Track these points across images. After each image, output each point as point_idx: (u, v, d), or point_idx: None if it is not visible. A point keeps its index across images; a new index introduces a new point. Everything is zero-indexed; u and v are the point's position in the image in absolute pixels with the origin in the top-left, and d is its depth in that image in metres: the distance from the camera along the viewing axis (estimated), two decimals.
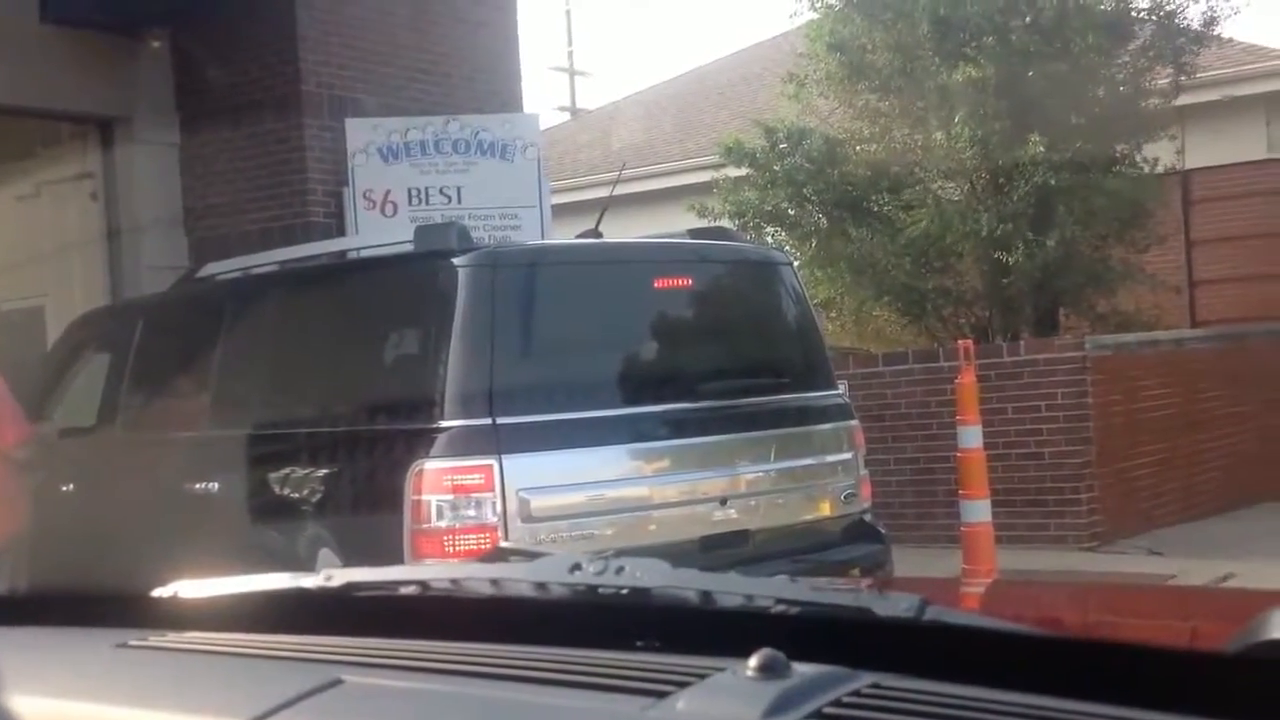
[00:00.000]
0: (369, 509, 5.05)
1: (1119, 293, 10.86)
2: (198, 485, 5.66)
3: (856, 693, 0.90)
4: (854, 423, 5.86)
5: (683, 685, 0.93)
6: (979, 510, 7.30)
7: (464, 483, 4.75)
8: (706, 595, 1.16)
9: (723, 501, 5.23)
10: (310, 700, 1.03)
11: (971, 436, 7.43)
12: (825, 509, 5.58)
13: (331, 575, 1.31)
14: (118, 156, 9.11)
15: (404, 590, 1.29)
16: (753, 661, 0.92)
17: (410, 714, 1.01)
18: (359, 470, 5.21)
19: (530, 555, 1.39)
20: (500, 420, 4.83)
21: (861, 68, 10.56)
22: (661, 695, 0.93)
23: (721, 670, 0.94)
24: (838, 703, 0.88)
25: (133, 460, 6.16)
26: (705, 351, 5.66)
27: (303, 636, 1.19)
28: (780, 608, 1.09)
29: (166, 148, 9.11)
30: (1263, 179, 13.22)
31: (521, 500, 4.75)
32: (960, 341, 8.10)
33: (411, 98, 9.12)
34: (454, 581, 1.29)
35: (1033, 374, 8.89)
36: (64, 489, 6.30)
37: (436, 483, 4.74)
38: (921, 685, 0.90)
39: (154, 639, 1.28)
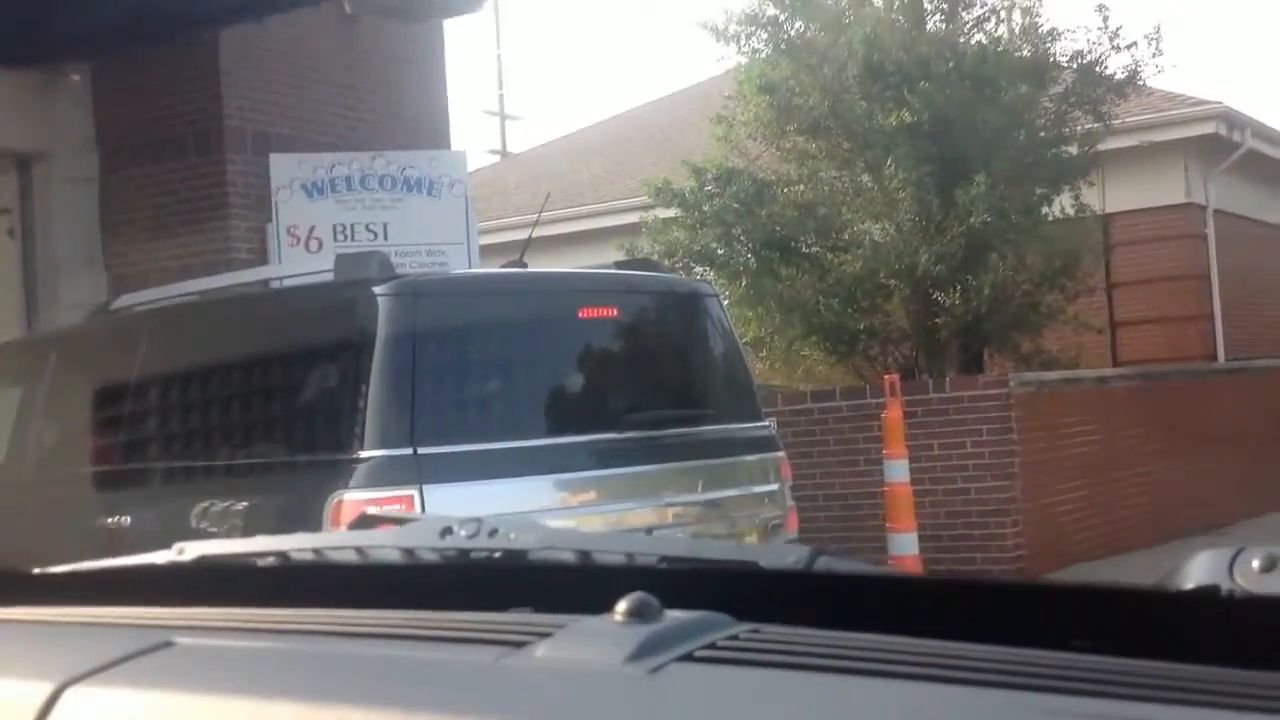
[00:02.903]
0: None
1: (1043, 333, 11.00)
2: (110, 520, 5.51)
3: (734, 637, 0.85)
4: (780, 454, 5.84)
5: (546, 635, 0.88)
6: (906, 543, 7.31)
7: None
8: (584, 554, 1.11)
9: (649, 532, 5.17)
10: (133, 662, 0.97)
11: (898, 470, 7.46)
12: (752, 540, 5.54)
13: (184, 549, 1.24)
14: (35, 193, 8.94)
15: (262, 561, 1.23)
16: (621, 606, 0.87)
17: (241, 672, 0.95)
18: (278, 502, 5.09)
19: (400, 520, 1.34)
20: (422, 450, 4.75)
21: (790, 110, 10.65)
22: (521, 645, 0.88)
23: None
24: (711, 646, 0.83)
25: (46, 494, 5.99)
26: (631, 382, 5.62)
27: (146, 608, 1.13)
28: (664, 563, 1.05)
29: (85, 183, 8.96)
30: (1181, 223, 13.49)
31: None
32: (887, 377, 8.15)
33: (338, 134, 9.05)
34: (316, 551, 1.23)
35: (958, 410, 8.94)
36: None
37: (356, 514, 4.64)
38: (803, 632, 0.85)
39: None
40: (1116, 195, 12.91)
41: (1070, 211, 10.78)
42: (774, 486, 5.67)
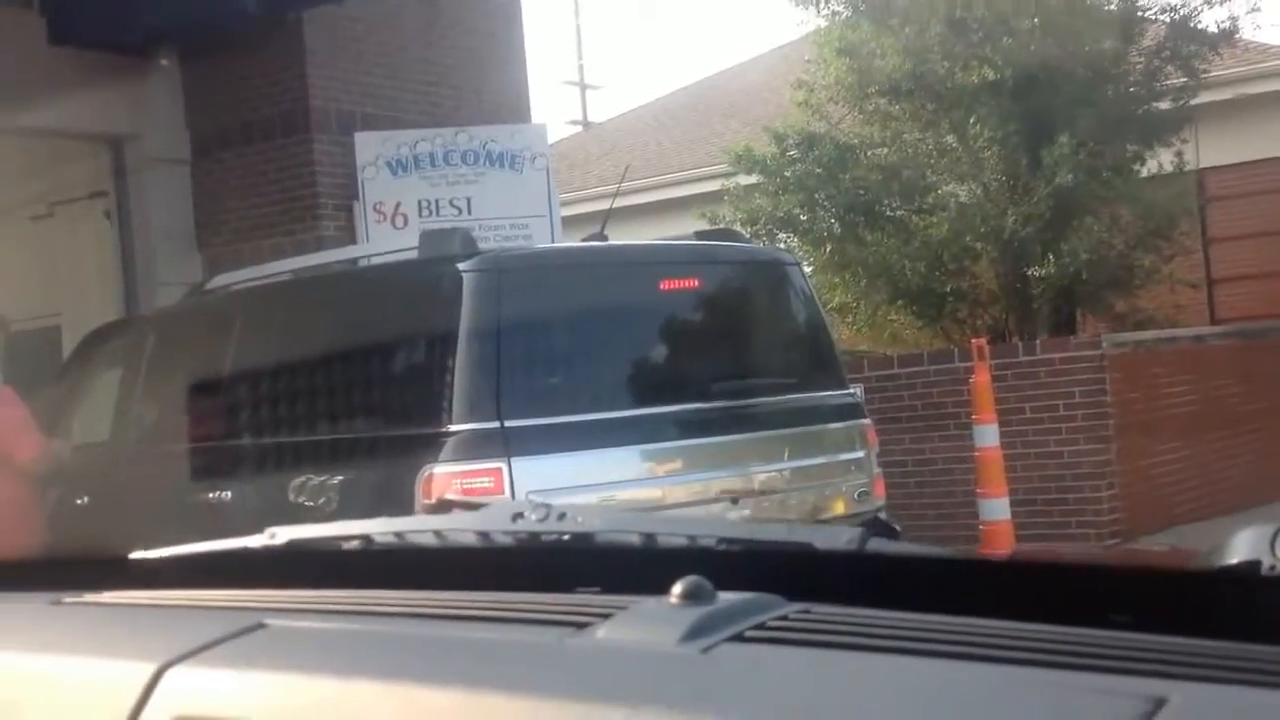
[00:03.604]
0: (381, 515, 5.03)
1: (1138, 292, 10.81)
2: (211, 495, 5.66)
3: (784, 617, 0.88)
4: (865, 421, 5.82)
5: (607, 617, 0.92)
6: (998, 508, 7.25)
7: (474, 486, 4.74)
8: (648, 537, 1.14)
9: (735, 501, 5.20)
10: (229, 644, 1.03)
11: (988, 435, 7.39)
12: (838, 507, 5.55)
13: (275, 533, 1.30)
14: (130, 175, 9.15)
15: (347, 545, 1.29)
16: (676, 589, 0.91)
17: (327, 653, 1.00)
18: (371, 476, 5.20)
19: (475, 506, 1.38)
20: (509, 423, 4.82)
21: (871, 72, 10.54)
22: (583, 626, 0.92)
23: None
24: (761, 626, 0.86)
25: (147, 472, 6.16)
26: (714, 352, 5.64)
27: (240, 591, 1.19)
28: (722, 545, 1.08)
29: (178, 165, 9.15)
30: (1278, 176, 13.15)
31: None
32: (974, 340, 8.07)
33: (420, 110, 9.14)
34: (398, 534, 1.28)
35: (1050, 373, 8.83)
36: (79, 502, 6.31)
37: (446, 487, 4.73)
38: (852, 611, 0.88)
39: (89, 596, 1.28)
40: (1211, 150, 12.61)
41: (1169, 168, 10.55)
42: (860, 454, 5.66)
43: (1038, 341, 9.34)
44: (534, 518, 1.18)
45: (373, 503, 5.10)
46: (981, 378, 7.40)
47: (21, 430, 5.79)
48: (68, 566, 1.48)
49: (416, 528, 1.31)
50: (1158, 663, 0.75)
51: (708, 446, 5.23)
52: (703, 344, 5.61)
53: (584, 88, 25.57)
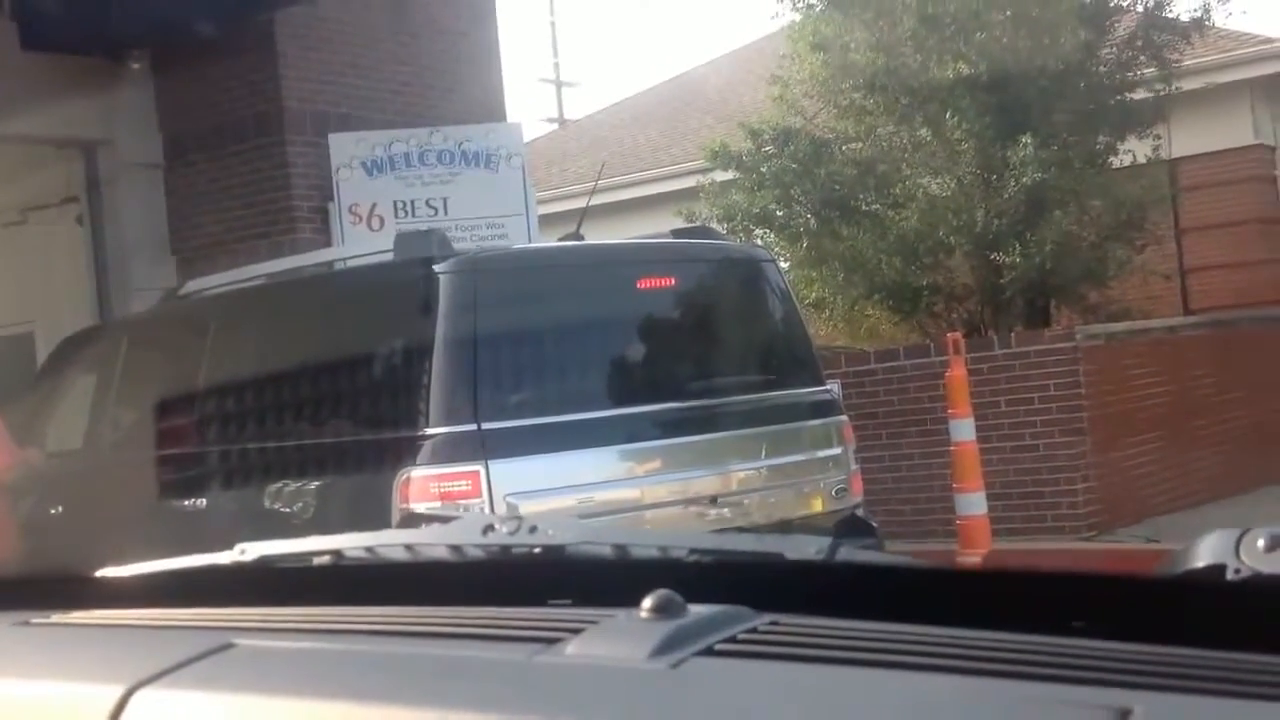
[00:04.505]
0: (359, 519, 5.03)
1: (1111, 283, 10.85)
2: (187, 502, 5.64)
3: (753, 630, 0.88)
4: (843, 418, 5.84)
5: (577, 631, 0.92)
6: (974, 503, 7.28)
7: (451, 490, 4.73)
8: (620, 549, 1.15)
9: (713, 500, 5.21)
10: (197, 664, 1.03)
11: (964, 429, 7.42)
12: (816, 505, 5.56)
13: (245, 549, 1.30)
14: (102, 179, 9.11)
15: (317, 560, 1.29)
16: (647, 603, 0.91)
17: (295, 673, 1.00)
18: (349, 481, 5.20)
19: (445, 519, 1.39)
20: (486, 426, 4.81)
21: (845, 66, 10.55)
22: (553, 642, 0.92)
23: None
24: (731, 639, 0.87)
25: (122, 479, 6.14)
26: (691, 351, 5.65)
27: (209, 609, 1.19)
28: (693, 557, 1.08)
29: (150, 169, 9.11)
30: (1249, 165, 13.22)
31: (510, 505, 4.73)
32: (950, 335, 8.10)
33: (395, 111, 9.12)
34: (368, 549, 1.28)
35: (1024, 366, 8.87)
36: (54, 511, 6.27)
37: (424, 490, 4.73)
38: (822, 622, 0.89)
39: (56, 617, 1.28)
40: (1182, 139, 12.66)
41: (1143, 159, 10.60)
42: (837, 451, 5.68)
43: (1012, 335, 9.37)
44: (504, 530, 1.18)
45: (351, 507, 5.09)
46: (957, 372, 7.43)
47: None
48: (36, 586, 1.47)
49: (388, 542, 1.31)
50: (1123, 672, 0.75)
51: (686, 446, 5.24)
52: (680, 343, 5.62)
53: (560, 85, 25.55)
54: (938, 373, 8.40)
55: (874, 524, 5.84)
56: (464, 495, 4.70)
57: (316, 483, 5.15)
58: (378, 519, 4.73)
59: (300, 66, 8.75)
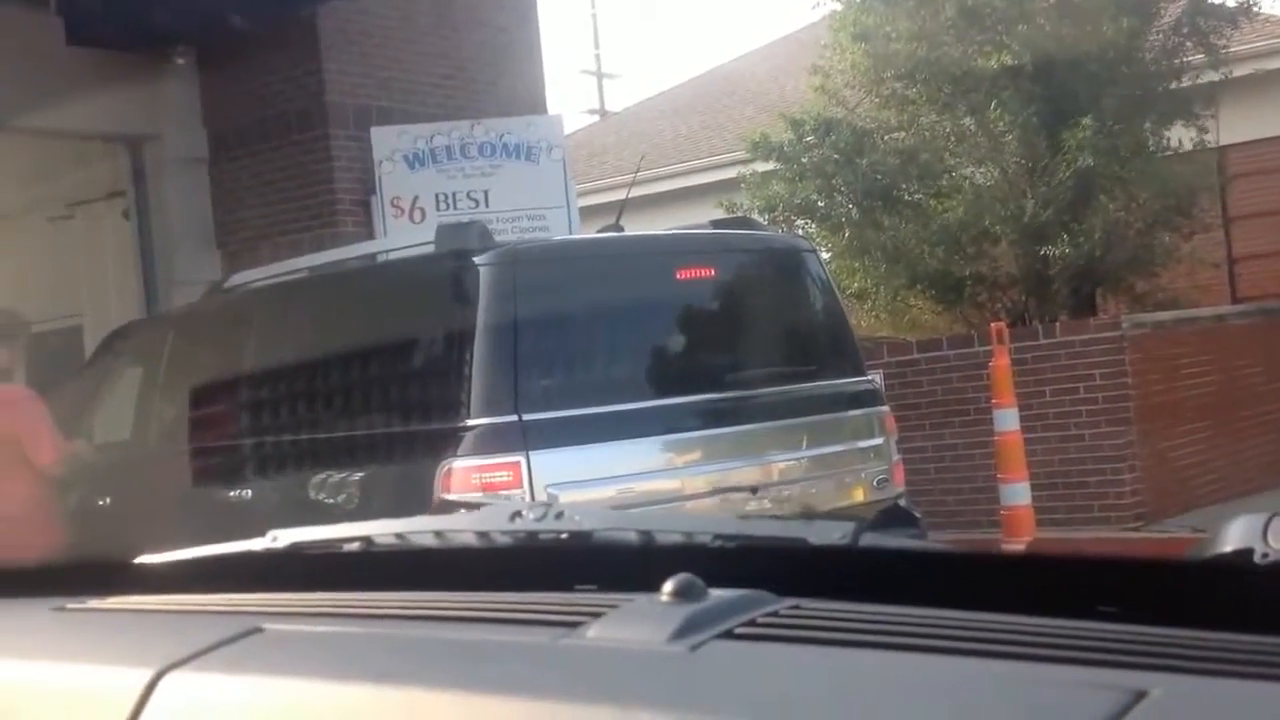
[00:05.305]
0: (401, 510, 5.04)
1: (1158, 272, 10.75)
2: (231, 493, 5.69)
3: (774, 613, 0.89)
4: (884, 408, 5.82)
5: (599, 615, 0.93)
6: (1018, 493, 7.24)
7: (492, 480, 4.75)
8: (644, 535, 1.16)
9: (754, 490, 5.20)
10: (226, 648, 1.04)
11: (1008, 419, 7.37)
12: (858, 495, 5.54)
13: (278, 536, 1.32)
14: (148, 174, 9.20)
15: (348, 547, 1.30)
16: (667, 586, 0.92)
17: (321, 656, 1.02)
18: (391, 471, 5.23)
19: (474, 506, 1.40)
20: (527, 417, 4.83)
21: (887, 56, 10.50)
22: (576, 625, 0.93)
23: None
24: (751, 623, 0.87)
25: (169, 470, 6.20)
26: (731, 341, 5.64)
27: (239, 595, 1.21)
28: (716, 542, 1.09)
29: (195, 163, 9.20)
30: None
31: (550, 496, 4.74)
32: (994, 324, 8.04)
33: (436, 104, 9.16)
34: (398, 535, 1.30)
35: (1070, 355, 8.80)
36: (101, 502, 6.35)
37: (465, 481, 4.75)
38: (843, 606, 0.89)
39: (92, 602, 1.30)
40: (1231, 126, 12.49)
41: (1189, 145, 10.49)
42: (879, 441, 5.66)
43: (1057, 324, 9.30)
44: (531, 517, 1.19)
45: (393, 498, 5.12)
46: (1001, 361, 7.39)
47: (42, 432, 5.83)
48: (72, 572, 1.50)
49: (417, 529, 1.32)
50: (1143, 655, 0.75)
51: (726, 436, 5.23)
52: (720, 333, 5.61)
53: (601, 77, 25.56)
54: (981, 363, 8.35)
55: (917, 514, 5.81)
56: (505, 486, 4.72)
57: (359, 473, 5.19)
58: (419, 509, 4.74)
59: (343, 61, 8.81)
